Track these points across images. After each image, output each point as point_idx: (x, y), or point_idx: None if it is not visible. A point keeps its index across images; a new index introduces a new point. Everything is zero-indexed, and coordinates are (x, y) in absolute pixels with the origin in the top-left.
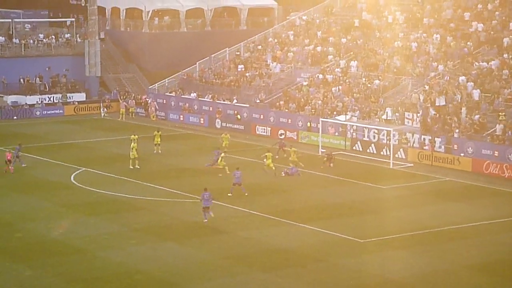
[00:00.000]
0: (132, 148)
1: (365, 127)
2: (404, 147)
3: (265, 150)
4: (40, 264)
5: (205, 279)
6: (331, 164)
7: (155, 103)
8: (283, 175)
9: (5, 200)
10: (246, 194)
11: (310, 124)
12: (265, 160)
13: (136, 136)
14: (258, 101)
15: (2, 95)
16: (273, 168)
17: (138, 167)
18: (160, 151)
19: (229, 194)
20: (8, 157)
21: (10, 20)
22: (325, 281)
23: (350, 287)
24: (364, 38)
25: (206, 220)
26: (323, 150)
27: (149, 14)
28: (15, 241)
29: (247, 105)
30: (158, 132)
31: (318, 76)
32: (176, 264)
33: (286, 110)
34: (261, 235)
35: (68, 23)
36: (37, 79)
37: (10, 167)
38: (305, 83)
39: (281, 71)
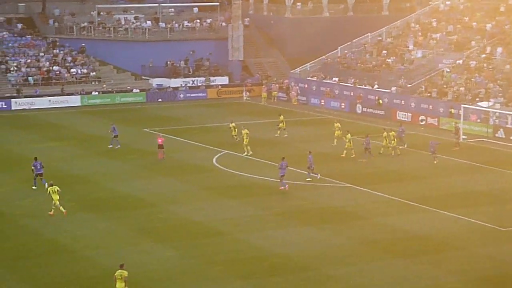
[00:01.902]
0: (238, 135)
1: (509, 114)
2: None
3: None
4: (182, 245)
5: (343, 264)
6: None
7: (297, 87)
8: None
9: (150, 182)
10: (318, 177)
11: (452, 111)
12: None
13: (234, 124)
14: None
15: (147, 78)
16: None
17: (249, 153)
18: (285, 135)
19: (307, 179)
20: (160, 142)
21: (157, 4)
22: (464, 269)
23: (490, 277)
24: (510, 23)
25: (282, 188)
26: (464, 137)
27: None
28: (158, 222)
29: (388, 91)
30: (280, 116)
31: (460, 62)
32: (314, 249)
33: (429, 94)
34: (399, 221)
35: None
36: (182, 62)
37: (161, 154)
38: (447, 70)
39: (423, 57)
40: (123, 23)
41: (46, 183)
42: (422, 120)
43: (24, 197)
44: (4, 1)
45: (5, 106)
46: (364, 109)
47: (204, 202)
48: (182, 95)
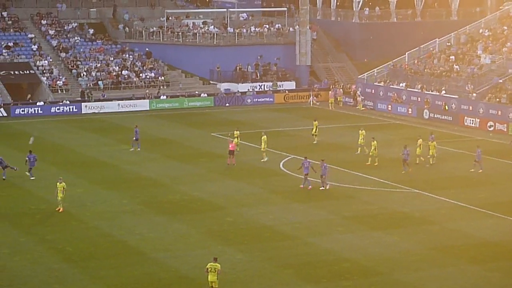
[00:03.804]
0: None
1: None
2: None
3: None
4: (250, 248)
5: (412, 270)
6: None
7: (358, 92)
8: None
9: (218, 185)
10: (321, 188)
11: None
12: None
13: (238, 132)
14: (473, 94)
15: (215, 83)
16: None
17: (265, 159)
18: (315, 142)
19: (321, 188)
20: (231, 147)
21: (225, 10)
22: None
23: None
24: None
25: (302, 186)
26: None
27: (360, 4)
28: (226, 225)
29: (456, 96)
30: (315, 121)
31: None
32: (383, 253)
33: (498, 99)
34: (469, 228)
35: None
36: (249, 67)
37: (232, 160)
38: None
39: (492, 62)
40: (191, 28)
41: (33, 177)
42: (490, 126)
43: (96, 199)
44: (76, 7)
45: (76, 110)
46: (432, 115)
47: (272, 206)
48: (249, 100)
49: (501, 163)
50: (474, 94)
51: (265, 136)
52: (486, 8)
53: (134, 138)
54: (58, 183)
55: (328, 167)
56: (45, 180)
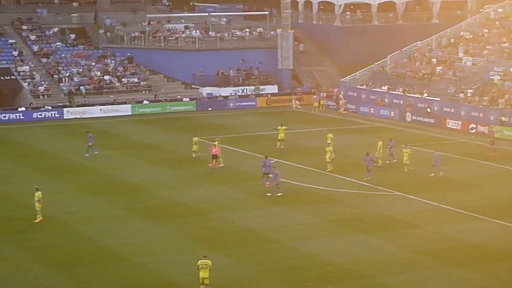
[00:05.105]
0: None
1: None
2: None
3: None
4: (235, 253)
5: (396, 273)
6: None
7: (340, 95)
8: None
9: (202, 189)
10: (278, 194)
11: (503, 119)
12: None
13: (197, 138)
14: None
15: (198, 87)
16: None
17: (210, 165)
18: (282, 147)
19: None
20: (214, 152)
21: (207, 14)
22: None
23: None
24: None
25: (267, 184)
26: None
27: (341, 8)
28: (211, 229)
29: (438, 99)
30: (282, 126)
31: None
32: (367, 257)
33: (481, 106)
34: (452, 230)
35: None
36: (231, 71)
37: (215, 163)
38: (498, 78)
39: (473, 64)
40: (173, 32)
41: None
42: (472, 128)
43: (80, 204)
44: (57, 12)
45: (58, 115)
46: (414, 117)
47: (257, 210)
48: (232, 104)
49: (483, 165)
50: (462, 94)
51: (217, 142)
52: (467, 11)
53: (89, 144)
54: (35, 192)
55: (278, 173)
56: (28, 186)
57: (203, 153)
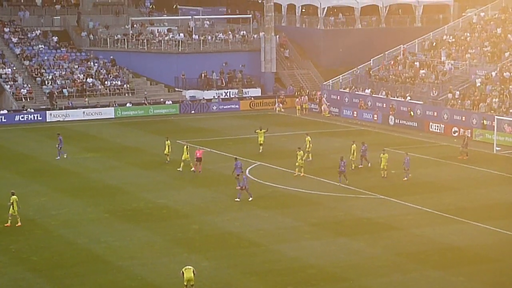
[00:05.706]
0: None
1: None
2: None
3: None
4: (216, 256)
5: (378, 275)
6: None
7: (323, 98)
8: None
9: (184, 192)
10: (238, 199)
11: (485, 122)
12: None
13: (169, 142)
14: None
15: (181, 90)
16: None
17: (180, 169)
18: (260, 151)
19: (236, 199)
20: (198, 155)
21: (190, 17)
22: (500, 281)
23: None
24: None
25: (238, 187)
26: (498, 148)
27: (325, 11)
28: (192, 232)
29: (421, 102)
30: (261, 130)
31: (494, 73)
32: (349, 259)
33: (464, 109)
34: (434, 233)
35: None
36: (214, 74)
37: (199, 167)
38: (479, 81)
39: (456, 68)
40: (156, 35)
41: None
42: (455, 132)
43: (60, 207)
44: (39, 14)
45: (40, 118)
46: (397, 121)
47: (238, 213)
48: (215, 107)
49: (463, 168)
50: (450, 95)
51: (186, 146)
52: (449, 15)
53: (59, 147)
54: (11, 196)
55: (246, 178)
56: (7, 189)
57: (174, 155)
